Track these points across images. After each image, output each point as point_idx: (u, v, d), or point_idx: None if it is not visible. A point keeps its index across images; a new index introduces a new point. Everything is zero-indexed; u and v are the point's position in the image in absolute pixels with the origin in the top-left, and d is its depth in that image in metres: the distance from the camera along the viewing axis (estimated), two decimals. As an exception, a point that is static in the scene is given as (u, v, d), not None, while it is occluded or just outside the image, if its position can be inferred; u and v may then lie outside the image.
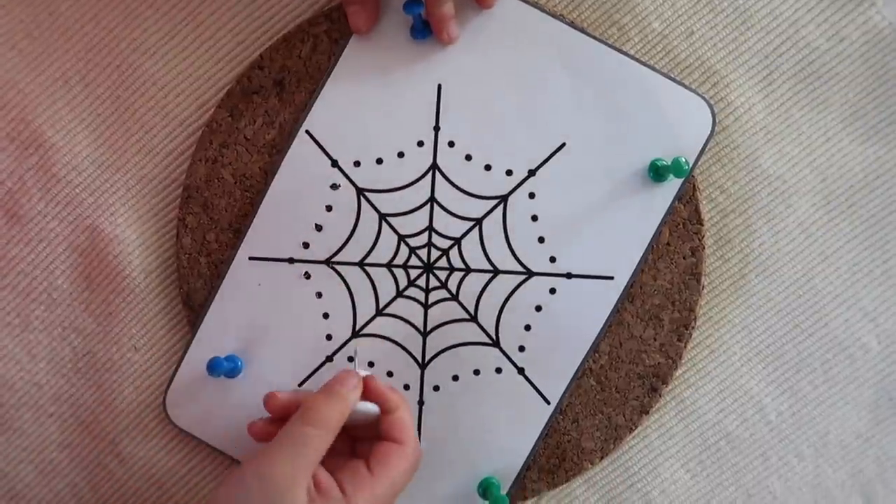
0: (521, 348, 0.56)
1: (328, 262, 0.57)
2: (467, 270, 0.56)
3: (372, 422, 0.52)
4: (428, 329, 0.57)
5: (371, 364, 0.57)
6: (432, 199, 0.56)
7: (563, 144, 0.55)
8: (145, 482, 0.60)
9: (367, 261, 0.56)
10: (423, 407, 0.57)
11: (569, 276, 0.56)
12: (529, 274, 0.56)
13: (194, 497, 0.60)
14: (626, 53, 0.55)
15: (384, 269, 0.57)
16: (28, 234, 0.59)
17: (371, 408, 0.52)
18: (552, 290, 0.56)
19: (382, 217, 0.56)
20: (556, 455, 0.58)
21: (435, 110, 0.56)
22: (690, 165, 0.54)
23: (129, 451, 0.60)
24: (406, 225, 0.56)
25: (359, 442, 0.53)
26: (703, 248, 0.56)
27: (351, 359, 0.57)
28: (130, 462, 0.60)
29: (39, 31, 0.57)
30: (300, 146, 0.56)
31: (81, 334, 0.59)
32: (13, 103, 0.58)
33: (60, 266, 0.59)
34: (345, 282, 0.57)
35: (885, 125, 0.56)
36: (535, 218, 0.56)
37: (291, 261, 0.57)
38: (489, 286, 0.56)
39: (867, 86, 0.56)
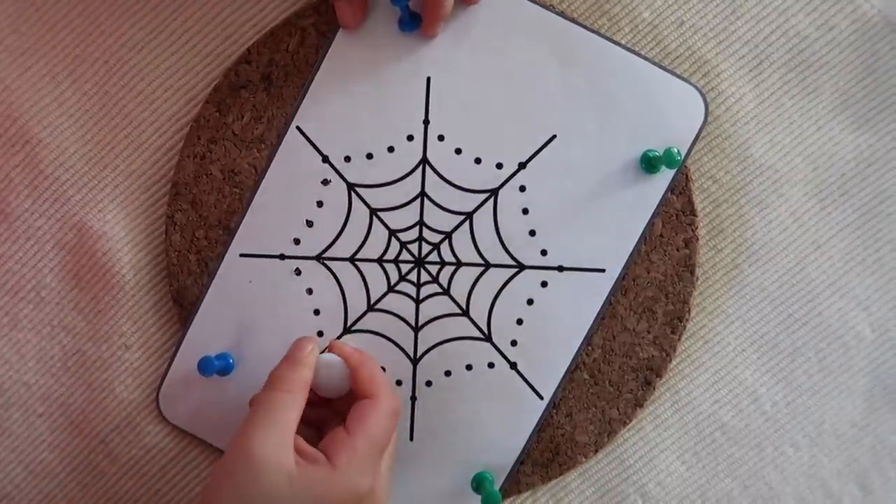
0: (514, 343, 0.56)
1: (319, 257, 0.56)
2: (458, 264, 0.56)
3: (347, 389, 0.53)
4: (420, 324, 0.56)
5: (363, 360, 0.57)
6: (423, 194, 0.56)
7: (554, 136, 0.55)
8: (136, 481, 0.60)
9: (357, 256, 0.56)
10: (416, 402, 0.57)
11: (560, 269, 0.56)
12: (521, 267, 0.56)
13: (186, 496, 0.60)
14: (617, 43, 0.55)
15: (375, 265, 0.56)
16: (15, 231, 0.58)
17: (333, 358, 0.52)
18: (544, 284, 0.56)
19: (373, 212, 0.56)
20: (550, 449, 0.57)
21: (424, 104, 0.55)
22: (683, 156, 0.54)
23: (119, 451, 0.60)
24: (397, 220, 0.56)
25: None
26: (697, 239, 0.56)
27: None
28: (121, 461, 0.60)
29: (27, 27, 0.57)
30: (291, 142, 0.56)
31: (71, 333, 0.59)
32: (-1, 100, 0.58)
33: (49, 264, 0.59)
34: (335, 277, 0.56)
35: (876, 113, 0.56)
36: (525, 211, 0.55)
37: (282, 257, 0.56)
38: (480, 280, 0.56)
39: (857, 74, 0.56)
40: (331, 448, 0.48)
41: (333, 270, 0.56)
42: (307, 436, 0.50)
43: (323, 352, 0.53)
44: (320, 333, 0.57)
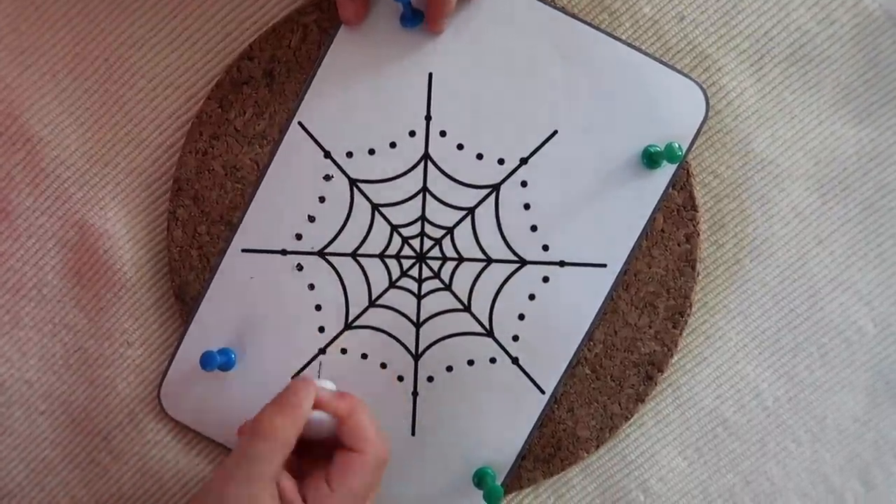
0: (515, 338, 0.56)
1: (321, 253, 0.56)
2: (460, 260, 0.56)
3: (335, 429, 0.50)
4: (421, 320, 0.56)
5: (364, 356, 0.57)
6: (425, 189, 0.56)
7: (556, 132, 0.55)
8: (139, 478, 0.60)
9: (359, 252, 0.56)
10: (418, 398, 0.57)
11: (561, 264, 0.56)
12: (522, 262, 0.56)
13: (189, 491, 0.60)
14: (618, 38, 0.55)
15: (377, 260, 0.56)
16: (17, 229, 0.58)
17: (323, 416, 0.50)
18: (545, 279, 0.56)
19: (375, 207, 0.56)
20: (552, 444, 0.57)
21: (426, 99, 0.55)
22: (684, 151, 0.54)
23: (122, 447, 0.60)
24: (399, 215, 0.56)
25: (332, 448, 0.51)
26: (698, 234, 0.56)
27: (344, 351, 0.57)
28: (124, 458, 0.60)
29: (26, 26, 0.57)
30: (293, 138, 0.56)
31: (72, 330, 0.59)
32: (0, 98, 0.57)
33: (50, 262, 0.59)
34: (337, 273, 0.56)
35: (877, 107, 0.56)
36: (527, 206, 0.55)
37: (284, 252, 0.56)
38: (482, 275, 0.56)
39: (858, 68, 0.56)
40: (311, 499, 0.47)
41: (335, 266, 0.56)
42: (293, 465, 0.49)
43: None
44: (321, 329, 0.57)
